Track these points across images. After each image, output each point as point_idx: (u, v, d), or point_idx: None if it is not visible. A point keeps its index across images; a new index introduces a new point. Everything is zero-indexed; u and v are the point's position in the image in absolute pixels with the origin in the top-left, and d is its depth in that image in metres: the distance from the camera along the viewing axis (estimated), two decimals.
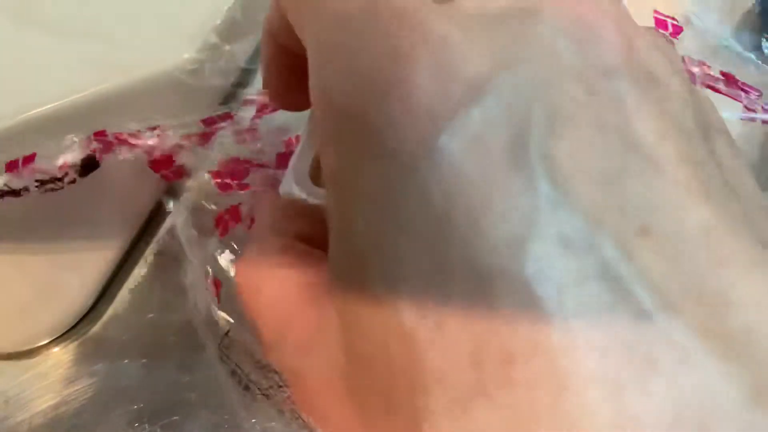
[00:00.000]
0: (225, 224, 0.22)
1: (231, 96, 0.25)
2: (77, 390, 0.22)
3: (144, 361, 0.21)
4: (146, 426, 0.21)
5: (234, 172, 0.22)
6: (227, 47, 0.23)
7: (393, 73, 0.10)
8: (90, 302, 0.23)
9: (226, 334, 0.19)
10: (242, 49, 0.24)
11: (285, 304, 0.13)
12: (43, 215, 0.22)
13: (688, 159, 0.10)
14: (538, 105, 0.10)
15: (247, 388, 0.19)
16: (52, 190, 0.21)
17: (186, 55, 0.22)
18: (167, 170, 0.22)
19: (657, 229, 0.09)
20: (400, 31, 0.10)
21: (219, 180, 0.22)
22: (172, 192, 0.25)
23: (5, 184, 0.19)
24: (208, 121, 0.22)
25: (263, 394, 0.18)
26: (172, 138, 0.21)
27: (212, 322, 0.20)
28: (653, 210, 0.10)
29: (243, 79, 0.26)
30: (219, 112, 0.22)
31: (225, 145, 0.22)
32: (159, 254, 0.23)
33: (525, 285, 0.09)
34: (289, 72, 0.15)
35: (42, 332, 0.23)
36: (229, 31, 0.24)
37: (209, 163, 0.22)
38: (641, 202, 0.10)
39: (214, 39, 0.23)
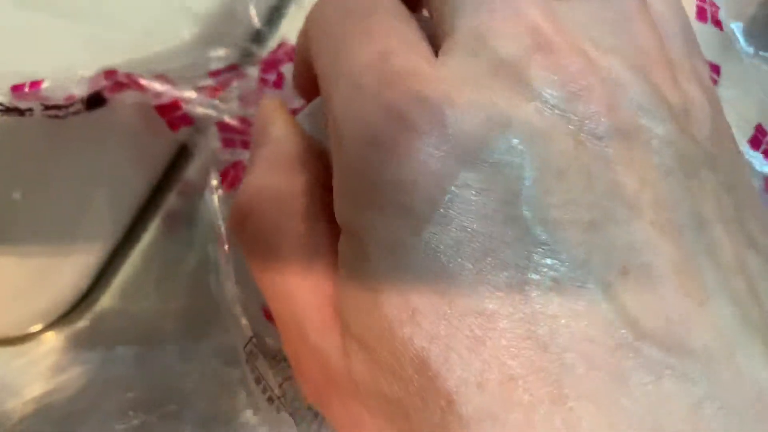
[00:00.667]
0: (232, 179, 0.22)
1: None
2: (71, 377, 0.21)
3: (140, 348, 0.21)
4: (141, 415, 0.20)
5: (240, 129, 0.22)
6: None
7: (396, 135, 0.11)
8: (85, 288, 0.23)
9: (251, 339, 0.19)
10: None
11: (317, 313, 0.13)
12: (39, 196, 0.22)
13: (665, 201, 0.11)
14: (530, 161, 0.11)
15: (270, 399, 0.19)
16: (56, 117, 0.21)
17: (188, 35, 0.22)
18: (173, 115, 0.22)
19: (634, 268, 0.11)
20: (399, 94, 0.12)
21: (224, 134, 0.22)
22: (174, 177, 0.24)
23: (10, 102, 0.20)
24: (215, 73, 0.23)
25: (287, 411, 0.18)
26: (181, 88, 0.22)
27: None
28: (631, 251, 0.11)
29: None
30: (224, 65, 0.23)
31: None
32: (157, 240, 0.23)
33: (525, 322, 0.11)
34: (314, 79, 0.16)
35: (35, 318, 0.22)
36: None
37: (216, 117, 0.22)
38: (623, 244, 0.11)
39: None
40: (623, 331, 0.10)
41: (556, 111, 0.11)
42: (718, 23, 0.23)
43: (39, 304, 0.22)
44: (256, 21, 0.24)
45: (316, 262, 0.14)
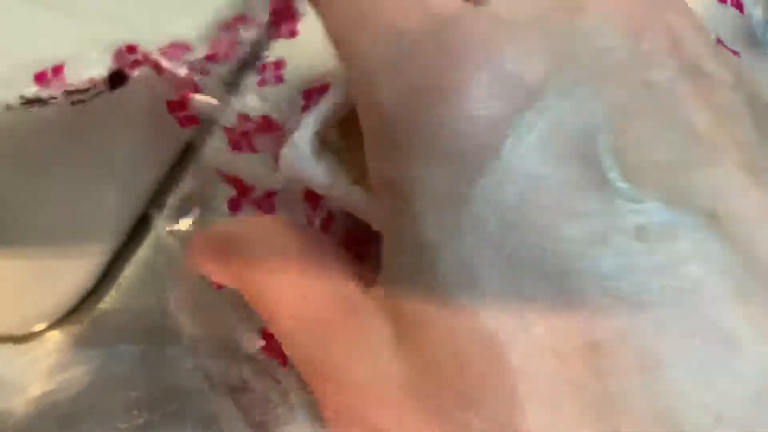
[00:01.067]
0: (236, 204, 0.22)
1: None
2: (74, 375, 0.21)
3: (144, 347, 0.21)
4: (144, 414, 0.20)
5: (246, 131, 0.22)
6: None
7: (452, 81, 0.10)
8: (90, 286, 0.22)
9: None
10: None
11: (330, 314, 0.12)
12: (44, 194, 0.22)
13: (744, 143, 0.11)
14: (597, 101, 0.10)
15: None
16: (80, 101, 0.21)
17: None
18: (183, 114, 0.22)
19: (723, 214, 0.10)
20: (456, 41, 0.11)
21: (232, 140, 0.22)
22: (175, 177, 0.24)
23: (34, 93, 0.20)
24: (225, 27, 0.23)
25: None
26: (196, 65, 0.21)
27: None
28: (718, 196, 0.10)
29: None
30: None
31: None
32: (161, 238, 0.23)
33: (607, 279, 0.09)
34: None
35: (39, 316, 0.22)
36: None
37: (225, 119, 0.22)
38: (707, 189, 0.10)
39: None
40: (719, 285, 0.09)
41: (620, 49, 0.11)
42: (739, 6, 0.23)
43: (43, 302, 0.22)
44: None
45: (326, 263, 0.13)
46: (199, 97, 0.22)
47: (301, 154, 0.17)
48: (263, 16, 0.23)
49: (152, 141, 0.23)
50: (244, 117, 0.22)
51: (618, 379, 0.09)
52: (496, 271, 0.10)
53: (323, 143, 0.18)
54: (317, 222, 0.21)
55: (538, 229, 0.10)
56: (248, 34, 0.23)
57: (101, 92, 0.21)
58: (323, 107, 0.18)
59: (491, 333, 0.10)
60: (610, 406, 0.09)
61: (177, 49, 0.22)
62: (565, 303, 0.09)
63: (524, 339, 0.09)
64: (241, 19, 0.22)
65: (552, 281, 0.09)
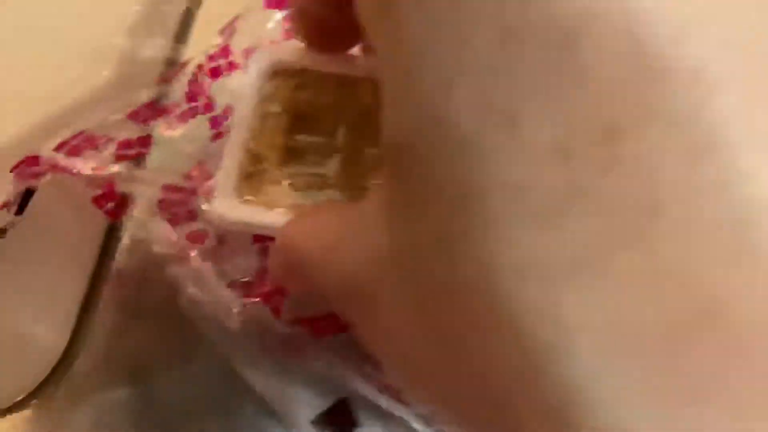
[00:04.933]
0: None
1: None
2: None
3: (132, 388, 0.22)
4: None
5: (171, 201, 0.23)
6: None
7: None
8: (62, 348, 0.23)
9: None
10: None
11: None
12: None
13: None
14: None
15: None
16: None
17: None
18: (110, 203, 0.22)
19: None
20: None
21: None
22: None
23: None
24: (133, 115, 0.23)
25: None
26: (106, 158, 0.22)
27: None
28: None
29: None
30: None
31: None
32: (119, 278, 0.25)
33: (627, 31, 0.07)
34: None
35: (13, 390, 0.23)
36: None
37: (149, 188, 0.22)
38: None
39: None
40: None
41: None
42: None
43: (15, 375, 0.23)
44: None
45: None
46: (123, 185, 0.22)
47: (227, 205, 0.18)
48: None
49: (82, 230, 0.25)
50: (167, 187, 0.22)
51: (647, 171, 0.08)
52: (486, 43, 0.08)
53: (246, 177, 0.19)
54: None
55: None
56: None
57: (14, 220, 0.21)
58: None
59: (473, 136, 0.08)
60: (634, 215, 0.08)
61: (84, 143, 0.22)
62: (571, 75, 0.08)
63: (513, 139, 0.08)
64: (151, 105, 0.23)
65: (555, 47, 0.08)
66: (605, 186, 0.08)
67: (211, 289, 0.20)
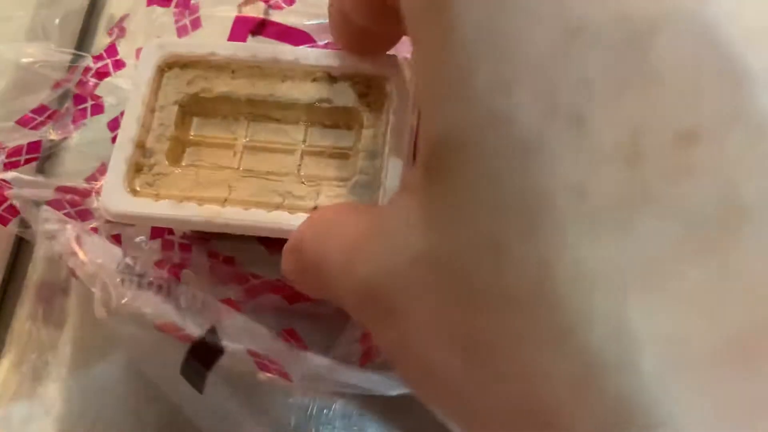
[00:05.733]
0: None
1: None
2: None
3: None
4: None
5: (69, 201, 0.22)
6: None
7: None
8: None
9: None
10: None
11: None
12: None
13: None
14: None
15: None
16: None
17: None
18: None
19: None
20: None
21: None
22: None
23: None
24: (22, 121, 0.22)
25: None
26: None
27: None
28: None
29: None
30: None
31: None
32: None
33: (702, 33, 0.07)
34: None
35: None
36: None
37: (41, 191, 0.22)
38: None
39: None
40: None
41: None
42: None
43: None
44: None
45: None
46: (12, 192, 0.21)
47: (116, 198, 0.18)
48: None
49: None
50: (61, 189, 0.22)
51: (728, 174, 0.07)
52: (545, 39, 0.08)
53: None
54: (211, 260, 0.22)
55: None
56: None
57: None
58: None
59: (536, 136, 0.08)
60: (708, 222, 0.07)
61: None
62: (643, 77, 0.07)
63: (578, 140, 0.08)
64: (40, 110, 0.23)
65: (625, 43, 0.07)
66: (679, 192, 0.07)
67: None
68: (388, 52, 0.19)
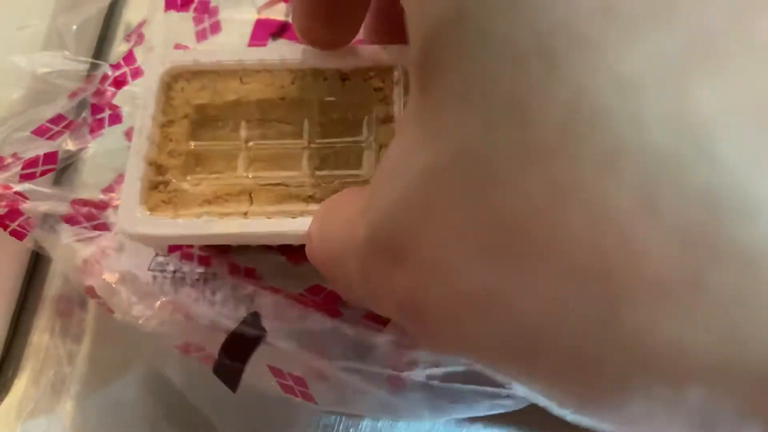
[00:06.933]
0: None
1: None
2: None
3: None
4: None
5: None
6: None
7: None
8: None
9: None
10: None
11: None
12: None
13: None
14: None
15: None
16: None
17: None
18: (13, 225, 0.21)
19: None
20: None
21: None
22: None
23: None
24: (38, 131, 0.22)
25: None
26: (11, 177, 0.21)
27: None
28: None
29: None
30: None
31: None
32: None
33: None
34: None
35: None
36: None
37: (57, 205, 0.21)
38: None
39: None
40: None
41: None
42: None
43: None
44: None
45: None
46: (28, 205, 0.20)
47: (134, 219, 0.17)
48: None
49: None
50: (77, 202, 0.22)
51: None
52: None
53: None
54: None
55: None
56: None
57: None
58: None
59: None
60: None
61: None
62: None
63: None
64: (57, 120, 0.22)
65: None
66: None
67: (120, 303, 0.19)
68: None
